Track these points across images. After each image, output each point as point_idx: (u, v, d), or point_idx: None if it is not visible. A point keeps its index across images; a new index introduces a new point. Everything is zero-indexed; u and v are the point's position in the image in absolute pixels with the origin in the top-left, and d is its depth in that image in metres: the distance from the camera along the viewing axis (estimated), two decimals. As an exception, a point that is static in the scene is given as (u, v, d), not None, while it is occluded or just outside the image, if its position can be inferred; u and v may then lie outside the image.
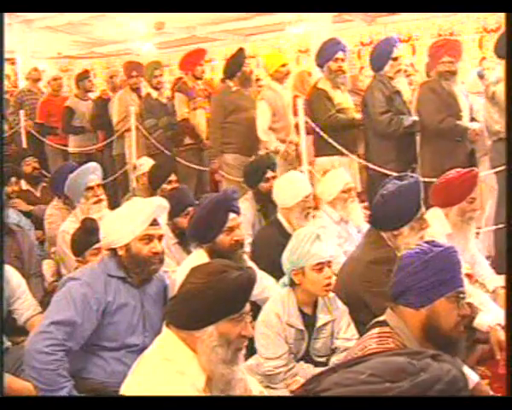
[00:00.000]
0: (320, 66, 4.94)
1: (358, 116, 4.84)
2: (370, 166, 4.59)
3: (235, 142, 5.17)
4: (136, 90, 6.17)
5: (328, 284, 2.57)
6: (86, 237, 3.08)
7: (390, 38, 4.80)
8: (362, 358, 1.09)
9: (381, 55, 4.64)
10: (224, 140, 5.20)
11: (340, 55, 4.80)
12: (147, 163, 4.91)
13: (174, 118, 5.74)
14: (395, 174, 3.20)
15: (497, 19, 7.85)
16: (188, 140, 5.66)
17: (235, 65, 5.25)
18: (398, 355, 1.06)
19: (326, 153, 4.78)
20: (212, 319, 1.72)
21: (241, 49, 5.37)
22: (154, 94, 5.83)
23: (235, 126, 5.16)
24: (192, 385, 1.67)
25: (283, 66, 5.25)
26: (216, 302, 1.71)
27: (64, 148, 6.81)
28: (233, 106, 5.15)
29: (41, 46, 9.84)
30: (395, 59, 4.60)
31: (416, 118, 4.55)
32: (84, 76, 6.99)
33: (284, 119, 5.15)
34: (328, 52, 4.83)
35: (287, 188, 3.61)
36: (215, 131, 5.26)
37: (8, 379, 2.49)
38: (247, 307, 1.77)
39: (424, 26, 8.82)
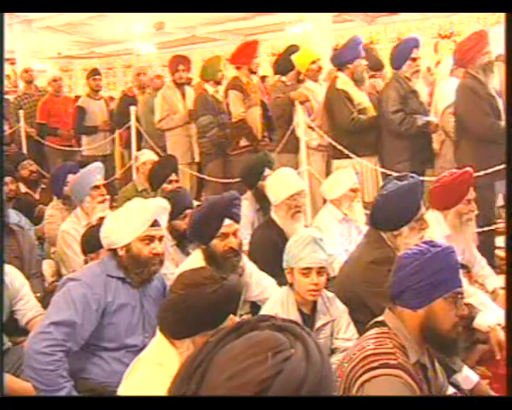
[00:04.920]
0: (344, 64, 4.81)
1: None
2: (378, 168, 4.54)
3: (289, 140, 5.01)
4: (181, 86, 5.79)
5: (314, 290, 2.52)
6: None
7: (411, 39, 4.75)
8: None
9: (401, 54, 4.60)
10: (281, 139, 5.04)
11: (363, 53, 4.82)
12: (147, 153, 5.04)
13: (229, 117, 5.46)
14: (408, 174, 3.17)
15: (496, 19, 7.85)
16: (244, 142, 5.28)
17: (290, 61, 5.17)
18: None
19: (347, 155, 4.68)
20: (187, 332, 1.68)
21: (294, 46, 5.27)
22: (211, 90, 5.47)
23: (283, 124, 5.03)
24: None
25: (313, 62, 5.20)
26: (190, 316, 1.67)
27: (64, 149, 6.75)
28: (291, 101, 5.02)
29: (41, 46, 9.87)
30: (414, 59, 4.55)
31: (430, 118, 4.50)
32: (92, 74, 6.86)
33: (319, 117, 5.09)
34: (356, 50, 4.80)
35: (275, 184, 3.57)
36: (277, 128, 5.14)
37: (8, 379, 2.49)
38: (229, 321, 1.70)
39: (424, 26, 8.83)
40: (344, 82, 4.75)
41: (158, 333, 1.80)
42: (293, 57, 5.24)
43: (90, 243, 3.09)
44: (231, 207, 2.80)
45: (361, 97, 4.80)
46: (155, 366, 1.69)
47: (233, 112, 5.25)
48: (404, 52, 4.59)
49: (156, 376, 1.67)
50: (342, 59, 4.85)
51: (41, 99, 7.07)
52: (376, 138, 4.72)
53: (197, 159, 5.63)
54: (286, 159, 5.01)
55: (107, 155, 6.61)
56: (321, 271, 2.53)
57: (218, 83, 5.53)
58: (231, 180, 5.08)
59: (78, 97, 7.66)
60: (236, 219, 2.82)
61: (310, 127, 5.02)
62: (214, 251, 2.73)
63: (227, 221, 2.75)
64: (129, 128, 6.01)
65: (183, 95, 5.77)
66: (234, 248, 2.75)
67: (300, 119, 4.89)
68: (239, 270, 2.78)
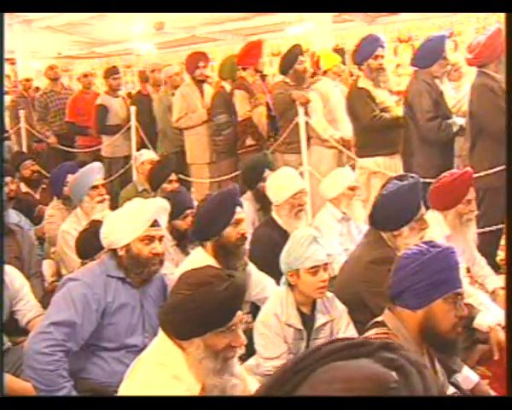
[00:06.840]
0: (358, 64, 4.75)
1: (401, 114, 4.54)
2: (389, 173, 4.46)
3: (295, 140, 4.99)
4: (200, 83, 5.66)
5: (323, 287, 2.54)
6: (95, 239, 3.01)
7: (442, 35, 4.41)
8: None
9: (434, 51, 4.22)
10: (285, 139, 5.03)
11: (379, 51, 4.58)
12: (146, 153, 5.05)
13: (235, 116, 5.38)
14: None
15: (497, 19, 7.85)
16: (250, 141, 5.24)
17: (288, 61, 5.17)
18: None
19: (369, 154, 4.63)
20: (196, 332, 1.68)
21: (296, 46, 5.27)
22: (228, 87, 5.44)
23: (286, 124, 5.05)
24: (187, 391, 1.65)
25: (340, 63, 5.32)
26: (199, 316, 1.67)
27: (92, 149, 6.41)
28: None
29: (41, 46, 9.87)
30: (445, 58, 4.30)
31: (462, 121, 4.25)
32: (111, 73, 6.41)
33: (332, 113, 5.10)
34: (367, 49, 4.63)
35: (277, 184, 3.59)
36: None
37: (8, 379, 2.49)
38: (237, 317, 1.72)
39: (424, 26, 8.82)
40: (365, 81, 4.68)
41: (160, 333, 1.79)
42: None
43: (86, 246, 3.08)
44: (238, 196, 2.98)
45: (382, 96, 4.69)
46: (158, 366, 1.69)
47: (239, 111, 5.26)
48: (437, 50, 4.24)
49: (159, 376, 1.67)
50: (358, 58, 4.74)
51: (70, 97, 6.72)
52: (405, 141, 4.50)
53: (214, 158, 5.60)
54: (291, 158, 5.01)
55: (128, 156, 6.29)
56: (325, 267, 2.56)
57: (235, 81, 5.49)
58: (222, 178, 5.12)
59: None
60: (242, 207, 2.98)
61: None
62: (227, 240, 2.81)
63: (238, 208, 2.87)
64: (132, 128, 5.99)
65: (202, 93, 5.69)
66: (245, 234, 2.88)
67: (301, 119, 4.89)
68: (246, 259, 2.93)
